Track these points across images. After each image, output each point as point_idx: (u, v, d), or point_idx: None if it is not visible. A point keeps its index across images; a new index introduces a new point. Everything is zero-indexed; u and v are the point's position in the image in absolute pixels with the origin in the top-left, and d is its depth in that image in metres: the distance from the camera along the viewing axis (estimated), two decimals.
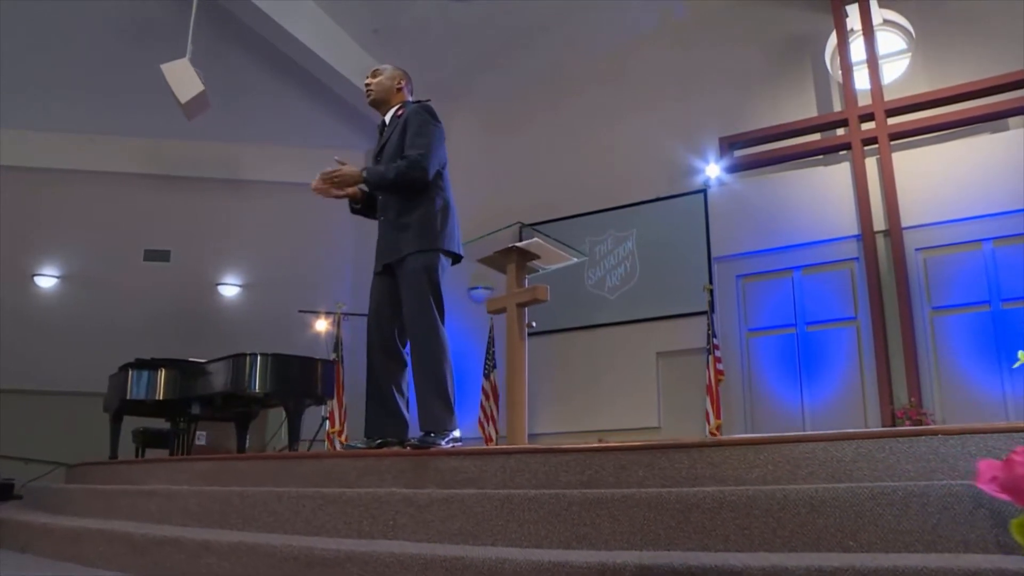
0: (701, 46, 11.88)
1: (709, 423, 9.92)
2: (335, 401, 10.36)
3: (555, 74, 12.79)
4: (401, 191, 3.39)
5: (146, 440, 8.13)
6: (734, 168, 11.09)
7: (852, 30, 10.82)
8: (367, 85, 3.72)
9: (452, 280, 12.35)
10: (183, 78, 9.52)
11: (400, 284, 3.29)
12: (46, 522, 3.70)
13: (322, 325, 12.11)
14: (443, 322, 3.25)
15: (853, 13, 10.81)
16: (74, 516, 3.99)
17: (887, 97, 10.31)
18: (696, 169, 11.40)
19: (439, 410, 3.09)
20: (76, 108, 12.34)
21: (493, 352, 11.66)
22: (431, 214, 3.41)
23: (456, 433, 3.10)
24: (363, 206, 3.69)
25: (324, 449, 10.80)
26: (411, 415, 3.44)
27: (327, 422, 10.59)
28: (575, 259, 4.20)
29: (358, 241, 13.96)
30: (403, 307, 3.26)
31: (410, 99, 3.73)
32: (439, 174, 3.49)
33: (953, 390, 9.29)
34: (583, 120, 12.44)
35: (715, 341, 10.14)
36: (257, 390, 6.50)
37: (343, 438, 11.03)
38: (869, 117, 10.31)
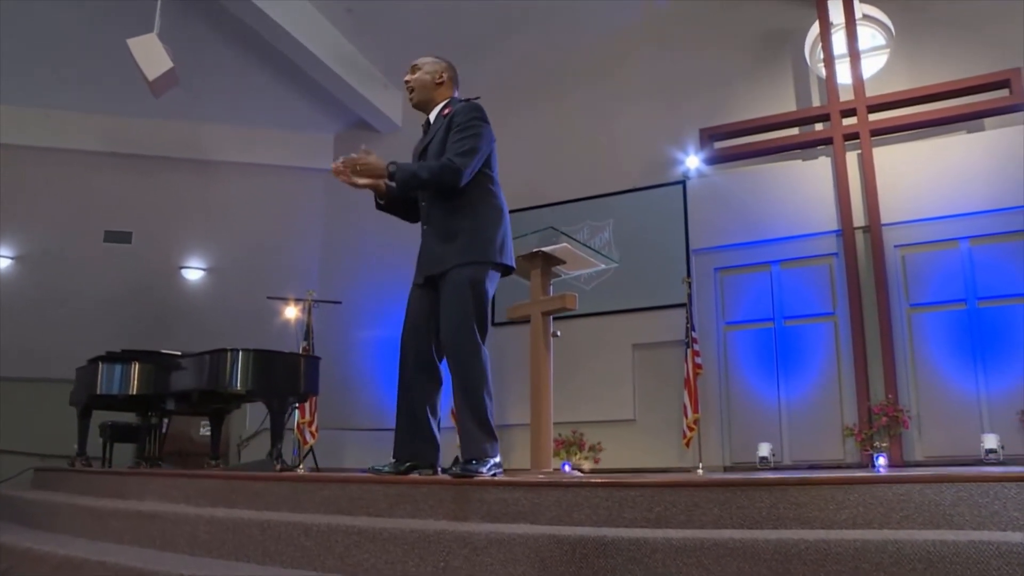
0: (682, 38, 11.75)
1: (687, 417, 9.89)
2: None
3: (535, 64, 12.56)
4: (442, 195, 3.14)
5: (114, 435, 7.77)
6: (714, 160, 11.02)
7: (833, 24, 10.79)
8: (407, 83, 3.43)
9: None
10: (151, 54, 9.10)
11: (442, 295, 3.06)
12: (30, 547, 3.38)
13: (292, 312, 11.78)
14: (485, 341, 3.04)
15: (835, 7, 10.79)
16: (61, 535, 3.70)
17: (867, 93, 10.32)
18: (675, 160, 11.30)
19: (480, 437, 2.89)
20: (31, 81, 11.76)
21: None
22: (481, 222, 3.15)
23: (498, 459, 2.91)
24: (391, 204, 3.39)
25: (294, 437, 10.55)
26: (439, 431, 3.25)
27: (297, 412, 10.31)
28: (603, 265, 4.02)
29: (328, 226, 13.64)
30: (442, 323, 3.03)
31: (456, 94, 3.45)
32: (490, 178, 3.24)
33: (929, 387, 9.37)
34: (561, 109, 12.26)
35: (694, 334, 10.08)
36: (239, 388, 6.21)
37: (313, 428, 10.79)
38: (851, 112, 10.30)
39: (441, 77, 3.41)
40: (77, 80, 11.78)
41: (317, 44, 11.18)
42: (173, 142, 12.83)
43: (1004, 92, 9.60)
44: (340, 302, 11.79)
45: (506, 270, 3.21)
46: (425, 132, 3.43)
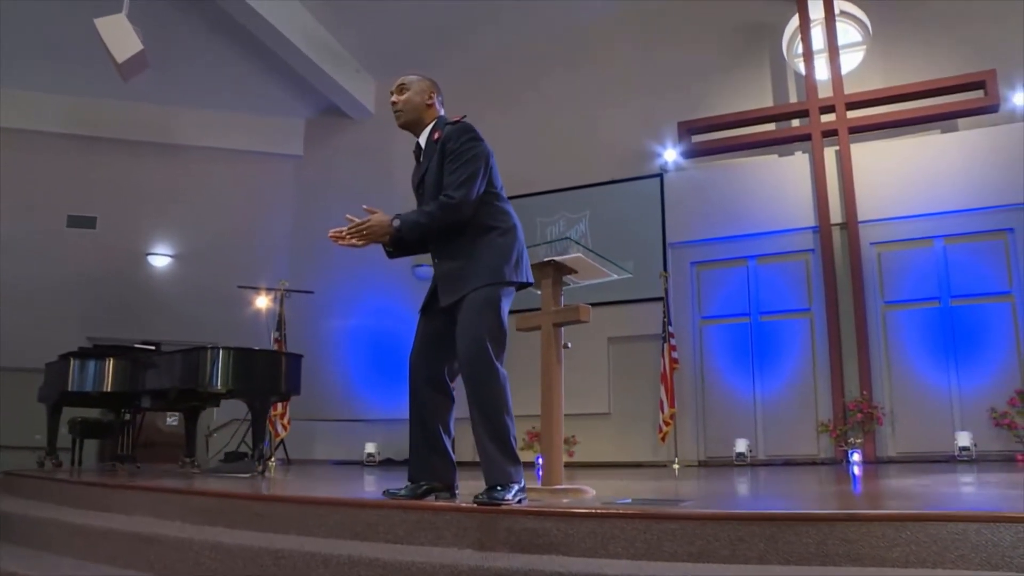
0: (660, 31, 11.67)
1: (663, 412, 9.88)
2: None
3: (512, 54, 12.39)
4: (452, 229, 3.03)
5: (84, 431, 7.54)
6: (692, 154, 11.00)
7: (812, 19, 10.80)
8: (393, 104, 3.26)
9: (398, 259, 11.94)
10: (119, 35, 8.79)
11: (458, 319, 2.94)
12: (15, 571, 3.20)
13: (263, 302, 11.52)
14: (503, 360, 2.94)
15: (815, 3, 10.79)
16: (45, 553, 3.49)
17: (844, 90, 10.36)
18: (653, 153, 11.26)
19: (503, 461, 2.78)
20: None
21: None
22: (495, 243, 3.04)
23: (522, 483, 2.82)
24: (398, 249, 3.28)
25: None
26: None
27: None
28: (615, 275, 3.93)
29: (298, 214, 13.37)
30: (459, 345, 2.92)
31: (442, 113, 3.32)
32: (496, 195, 3.12)
33: (903, 384, 9.48)
34: (538, 100, 12.11)
35: (670, 329, 10.07)
36: (219, 387, 6.03)
37: (285, 421, 10.60)
38: (829, 109, 10.33)
39: (431, 98, 3.27)
40: (41, 59, 11.35)
41: (289, 27, 10.89)
42: (140, 125, 12.45)
43: (979, 93, 9.69)
44: (312, 292, 11.59)
45: (522, 285, 3.11)
46: (417, 159, 3.30)
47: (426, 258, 10.93)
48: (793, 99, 10.92)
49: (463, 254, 3.02)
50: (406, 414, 11.52)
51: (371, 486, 5.50)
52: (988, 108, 9.60)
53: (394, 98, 3.28)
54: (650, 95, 11.49)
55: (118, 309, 11.88)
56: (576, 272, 3.72)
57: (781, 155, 10.79)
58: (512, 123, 12.07)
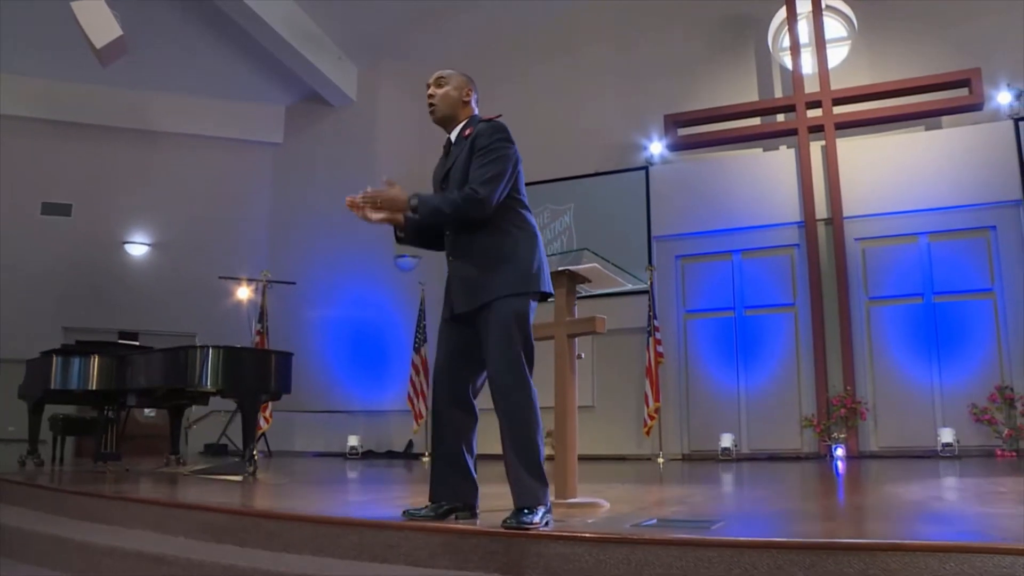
0: (646, 21, 11.59)
1: (648, 406, 9.88)
2: None
3: (494, 42, 12.24)
4: (469, 226, 2.93)
5: (66, 429, 7.37)
6: (678, 147, 10.97)
7: (799, 13, 10.79)
8: (429, 97, 3.15)
9: (377, 247, 11.79)
10: (98, 20, 8.57)
11: (484, 333, 2.85)
12: None
13: (244, 293, 11.35)
14: (532, 375, 2.87)
15: None
16: (42, 570, 3.39)
17: (831, 85, 10.38)
18: (638, 145, 11.22)
19: (532, 483, 2.72)
20: None
21: (424, 326, 11.28)
22: (518, 251, 2.94)
23: (548, 505, 2.76)
24: (412, 235, 3.15)
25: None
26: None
27: None
28: (630, 285, 3.88)
29: (277, 202, 13.17)
30: (489, 361, 2.83)
31: (476, 112, 3.23)
32: (520, 202, 3.03)
33: (886, 380, 9.57)
34: (522, 90, 11.96)
35: (655, 322, 10.05)
36: (209, 386, 5.91)
37: (267, 414, 10.49)
38: (815, 104, 10.35)
39: (468, 95, 3.17)
40: (14, 41, 11.02)
41: (269, 12, 10.64)
42: (116, 111, 12.15)
43: (964, 91, 9.75)
44: (294, 283, 11.43)
45: (544, 297, 3.04)
46: (446, 153, 3.19)
47: (408, 249, 10.79)
48: (778, 93, 10.93)
49: (484, 258, 2.93)
50: (388, 405, 11.48)
51: (371, 488, 5.45)
52: (972, 106, 9.67)
53: (431, 91, 3.18)
54: (635, 87, 11.44)
55: (94, 299, 11.64)
56: (590, 281, 3.66)
57: (766, 149, 10.80)
58: (495, 111, 11.91)
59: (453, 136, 3.19)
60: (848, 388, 9.48)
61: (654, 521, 2.86)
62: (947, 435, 8.66)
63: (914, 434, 9.19)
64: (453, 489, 2.93)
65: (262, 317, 10.52)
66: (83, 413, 7.82)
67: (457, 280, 3.00)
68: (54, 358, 6.59)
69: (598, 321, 3.45)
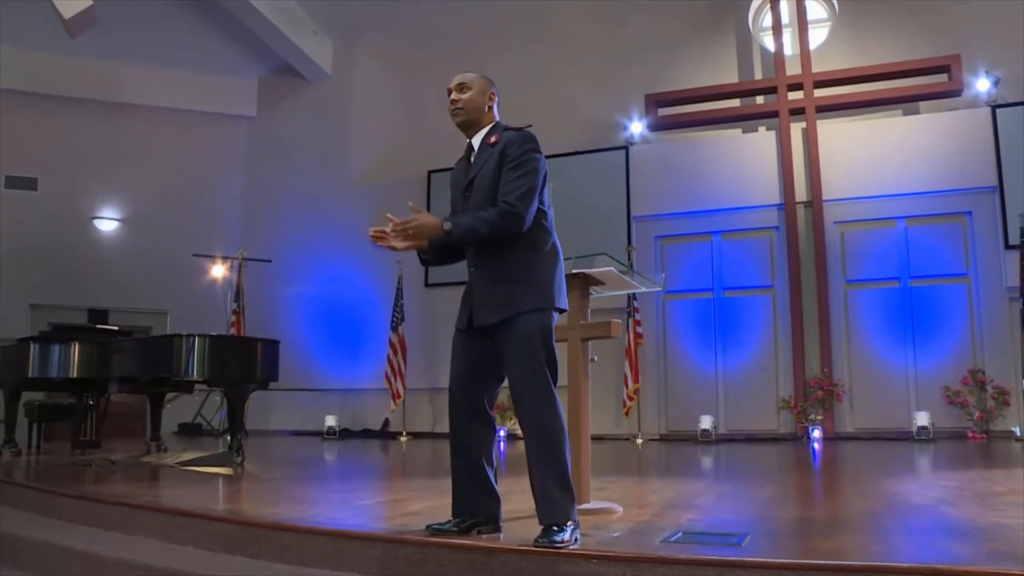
0: (628, 2, 11.45)
1: (627, 387, 9.93)
2: None
3: (474, 18, 12.04)
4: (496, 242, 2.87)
5: (43, 416, 7.17)
6: (659, 126, 10.95)
7: None
8: (453, 103, 3.05)
9: (353, 224, 11.64)
10: None
11: (505, 347, 2.79)
12: None
13: (219, 271, 11.14)
14: (556, 387, 2.83)
15: None
16: None
17: (812, 68, 10.39)
18: (618, 125, 11.16)
19: (561, 499, 2.69)
20: None
21: (401, 304, 11.19)
22: (542, 265, 2.88)
23: (577, 520, 2.73)
24: (436, 257, 3.07)
25: None
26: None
27: None
28: (644, 288, 3.84)
29: (251, 177, 12.91)
30: (513, 376, 2.78)
31: (498, 118, 3.13)
32: (544, 214, 2.97)
33: (862, 362, 9.71)
34: (500, 66, 11.63)
35: (635, 303, 10.08)
36: (195, 376, 5.79)
37: None
38: (797, 87, 10.36)
39: (491, 99, 3.09)
40: None
41: None
42: (84, 82, 11.78)
43: (943, 77, 9.83)
44: (270, 260, 11.25)
45: (561, 310, 3.00)
46: (467, 160, 3.10)
47: (386, 223, 10.65)
48: (758, 74, 10.92)
49: (508, 271, 2.86)
50: (364, 384, 11.38)
51: (373, 486, 5.42)
52: (952, 92, 9.75)
53: (454, 96, 3.08)
54: (616, 66, 11.36)
55: (63, 276, 11.35)
56: (603, 284, 3.63)
57: (745, 131, 10.82)
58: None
59: (476, 142, 3.10)
60: (825, 370, 9.61)
61: (680, 534, 2.85)
62: (923, 418, 8.82)
63: (889, 416, 9.35)
64: (475, 504, 2.89)
65: (238, 296, 10.35)
66: (57, 399, 7.64)
67: (479, 292, 2.94)
68: (31, 346, 6.41)
69: (613, 325, 3.43)
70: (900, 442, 8.65)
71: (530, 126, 3.02)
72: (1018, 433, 8.78)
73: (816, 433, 9.17)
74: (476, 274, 2.97)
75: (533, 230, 2.91)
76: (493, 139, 3.02)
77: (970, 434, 8.99)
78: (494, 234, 2.83)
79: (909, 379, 9.49)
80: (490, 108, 3.10)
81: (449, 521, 2.89)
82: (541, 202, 2.95)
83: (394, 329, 11.11)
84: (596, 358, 3.61)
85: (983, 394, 9.12)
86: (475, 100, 3.06)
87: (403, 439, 10.91)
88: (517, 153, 2.90)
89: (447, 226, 2.82)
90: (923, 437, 8.69)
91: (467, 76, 3.13)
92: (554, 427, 2.76)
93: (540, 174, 2.92)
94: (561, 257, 3.03)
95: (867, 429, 9.42)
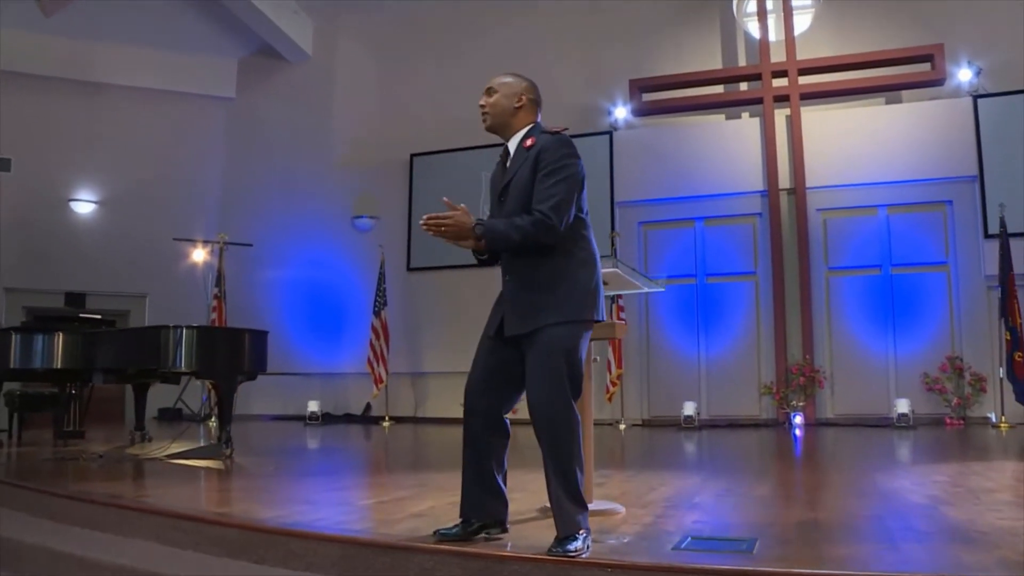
0: None
1: (610, 372, 9.97)
2: None
3: (458, 1, 11.89)
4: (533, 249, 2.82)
5: (24, 405, 7.05)
6: (643, 112, 10.92)
7: None
8: (481, 107, 2.99)
9: (335, 207, 11.52)
10: None
11: (529, 358, 2.77)
12: None
13: (200, 255, 10.99)
14: (577, 402, 2.81)
15: None
16: None
17: (796, 55, 10.40)
18: (602, 110, 11.13)
19: (574, 511, 2.69)
20: None
21: (384, 289, 11.13)
22: (576, 275, 2.82)
23: (588, 528, 2.74)
24: (493, 255, 3.01)
25: None
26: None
27: None
28: (648, 289, 3.84)
29: (230, 159, 12.72)
30: (532, 389, 2.76)
31: (539, 119, 3.05)
32: (583, 222, 2.89)
33: (844, 349, 9.81)
34: (480, 50, 11.66)
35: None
36: (183, 367, 5.71)
37: None
38: (781, 74, 10.37)
39: (520, 100, 2.99)
40: None
41: None
42: (58, 61, 11.49)
43: (926, 66, 9.88)
44: (251, 244, 11.12)
45: (594, 323, 2.96)
46: (504, 164, 3.04)
47: (367, 207, 10.54)
48: (742, 60, 10.92)
49: (538, 280, 2.82)
50: (346, 368, 11.34)
51: (374, 484, 5.40)
52: (934, 81, 9.82)
53: (482, 100, 3.03)
54: (600, 50, 11.32)
55: (38, 259, 11.14)
56: (607, 283, 3.61)
57: (729, 117, 10.83)
58: (451, 73, 11.69)
59: (512, 145, 3.02)
60: (807, 357, 9.70)
61: (688, 540, 2.87)
62: (903, 406, 8.94)
63: (869, 403, 9.48)
64: (483, 506, 2.89)
65: (219, 280, 10.23)
66: (38, 388, 7.51)
67: (510, 301, 2.89)
68: (13, 336, 6.29)
69: (618, 327, 3.42)
70: (880, 428, 8.78)
71: (566, 129, 2.95)
72: (994, 419, 8.93)
73: (798, 419, 9.27)
74: (509, 283, 2.92)
75: (569, 238, 2.85)
76: (529, 142, 2.95)
77: (948, 420, 9.14)
78: (526, 243, 2.78)
79: (889, 366, 9.61)
80: (520, 108, 3.01)
81: (456, 524, 2.89)
82: (579, 208, 2.89)
83: (376, 314, 11.06)
84: (598, 358, 3.61)
85: (961, 381, 9.27)
86: (500, 104, 3.00)
87: (386, 424, 10.90)
88: (552, 159, 2.82)
89: (479, 230, 2.77)
90: (903, 424, 8.81)
91: (497, 80, 3.06)
92: (569, 445, 2.75)
93: (576, 181, 2.85)
94: (599, 266, 2.96)
95: (848, 415, 9.54)
